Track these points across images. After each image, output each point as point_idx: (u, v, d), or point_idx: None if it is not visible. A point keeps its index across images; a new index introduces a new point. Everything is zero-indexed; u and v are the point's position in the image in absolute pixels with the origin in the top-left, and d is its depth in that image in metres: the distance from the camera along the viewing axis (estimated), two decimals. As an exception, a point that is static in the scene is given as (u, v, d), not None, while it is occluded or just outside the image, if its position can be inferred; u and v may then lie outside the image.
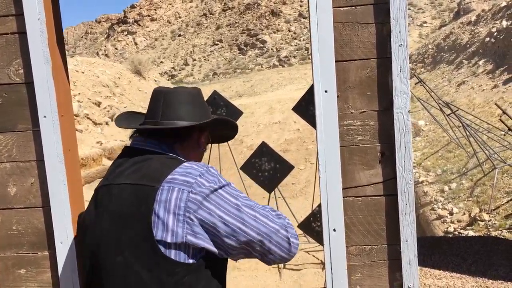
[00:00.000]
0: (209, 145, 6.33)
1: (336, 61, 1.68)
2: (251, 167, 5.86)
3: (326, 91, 1.68)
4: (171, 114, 1.54)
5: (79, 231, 1.59)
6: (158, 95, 1.56)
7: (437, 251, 2.06)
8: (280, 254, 1.42)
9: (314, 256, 6.29)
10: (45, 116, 1.77)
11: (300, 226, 5.95)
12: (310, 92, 6.45)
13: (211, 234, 1.36)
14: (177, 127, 1.51)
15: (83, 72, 16.83)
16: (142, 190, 1.37)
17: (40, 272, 1.88)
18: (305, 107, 6.04)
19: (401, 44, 1.64)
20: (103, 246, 1.43)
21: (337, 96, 1.69)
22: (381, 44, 1.67)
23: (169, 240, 1.33)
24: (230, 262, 6.47)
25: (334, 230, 1.72)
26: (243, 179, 6.88)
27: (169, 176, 1.37)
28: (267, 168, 5.79)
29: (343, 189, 1.72)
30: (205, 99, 6.11)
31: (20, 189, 1.85)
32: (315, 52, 1.67)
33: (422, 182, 8.17)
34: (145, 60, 21.13)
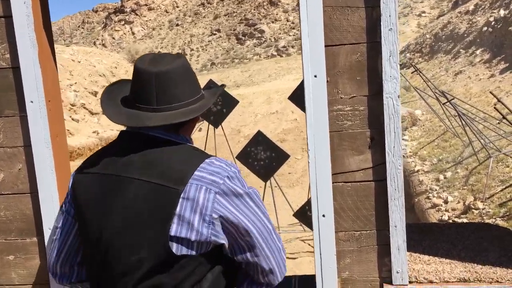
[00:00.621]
0: (206, 134, 6.27)
1: (325, 46, 1.66)
2: (247, 156, 5.86)
3: (315, 76, 1.66)
4: (168, 98, 1.42)
5: (76, 216, 1.48)
6: (147, 75, 1.42)
7: (428, 238, 2.06)
8: (276, 270, 1.43)
9: (309, 245, 6.30)
10: (32, 102, 1.75)
11: (296, 214, 5.96)
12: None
13: (228, 234, 1.36)
14: (186, 120, 1.42)
15: (79, 62, 16.75)
16: (164, 191, 1.32)
17: (28, 258, 1.87)
18: (301, 96, 6.02)
19: (391, 28, 1.62)
20: (117, 245, 1.38)
21: (327, 81, 1.67)
22: (371, 28, 1.65)
23: (193, 238, 1.31)
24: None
25: (324, 215, 1.71)
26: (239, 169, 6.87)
27: (196, 173, 1.33)
28: (263, 157, 5.79)
29: (332, 174, 1.71)
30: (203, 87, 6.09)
31: (8, 175, 1.83)
32: (305, 36, 1.65)
33: (417, 171, 8.20)
34: (142, 50, 21.03)
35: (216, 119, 6.26)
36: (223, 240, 1.37)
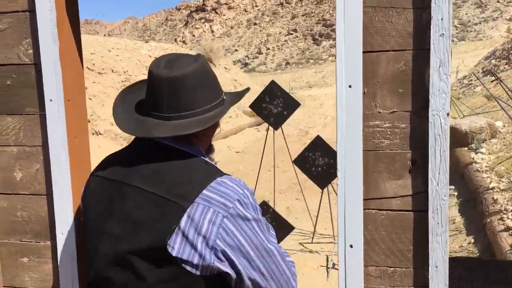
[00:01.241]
0: (265, 135, 6.11)
1: (364, 52, 1.44)
2: (304, 161, 5.65)
3: (350, 86, 1.45)
4: (180, 106, 1.32)
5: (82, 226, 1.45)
6: (160, 82, 1.31)
7: (482, 275, 1.77)
8: None
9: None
10: (51, 100, 1.68)
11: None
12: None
13: (230, 262, 1.25)
14: (197, 131, 1.31)
15: (155, 58, 17.22)
16: (167, 205, 1.23)
17: (41, 262, 1.80)
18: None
19: (443, 34, 1.37)
20: (112, 253, 1.29)
21: (363, 93, 1.46)
22: (418, 33, 1.41)
23: (196, 261, 1.21)
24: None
25: (351, 246, 1.50)
26: (297, 173, 6.67)
27: (205, 192, 1.23)
28: (321, 163, 5.56)
29: (364, 200, 1.49)
30: (264, 88, 5.90)
31: (26, 175, 1.78)
32: (340, 40, 1.44)
33: (492, 188, 7.56)
34: (216, 47, 21.31)
35: (276, 120, 6.10)
36: (227, 268, 1.23)
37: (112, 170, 1.36)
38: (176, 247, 1.21)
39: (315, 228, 6.37)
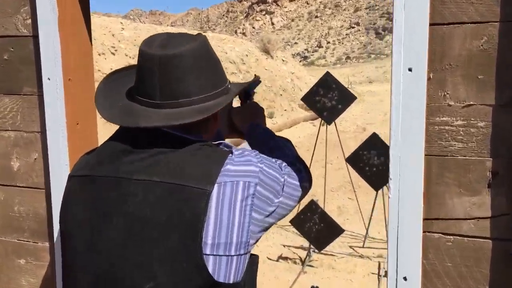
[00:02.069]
0: (318, 130, 5.75)
1: (431, 24, 1.08)
2: (357, 160, 5.24)
3: (410, 70, 1.09)
4: (175, 91, 1.07)
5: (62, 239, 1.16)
6: (150, 63, 1.07)
7: None
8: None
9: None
10: (48, 79, 1.43)
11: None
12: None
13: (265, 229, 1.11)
14: (192, 121, 1.06)
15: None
16: (184, 192, 1.00)
17: (39, 266, 1.57)
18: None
19: (547, -1, 0.99)
20: (118, 270, 1.02)
21: (428, 79, 1.10)
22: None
23: (232, 252, 1.01)
24: (326, 260, 5.97)
25: (405, 279, 1.15)
26: (350, 171, 6.26)
27: (228, 167, 1.04)
28: (376, 163, 5.13)
29: (424, 219, 1.13)
30: (318, 80, 5.54)
31: (23, 165, 1.54)
32: (399, 7, 1.09)
33: None
34: (273, 39, 20.98)
35: (330, 114, 5.69)
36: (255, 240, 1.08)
37: (100, 166, 1.08)
38: (209, 241, 0.99)
39: (367, 231, 5.95)
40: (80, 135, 1.49)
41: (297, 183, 1.17)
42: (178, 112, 1.06)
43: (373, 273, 5.43)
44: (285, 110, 16.60)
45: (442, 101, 1.10)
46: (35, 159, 1.52)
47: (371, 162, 5.14)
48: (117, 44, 14.08)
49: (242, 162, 1.07)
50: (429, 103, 1.10)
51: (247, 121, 1.42)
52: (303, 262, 5.56)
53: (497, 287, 1.09)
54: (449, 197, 1.12)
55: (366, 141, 5.25)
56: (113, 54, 13.48)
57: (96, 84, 1.24)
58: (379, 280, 5.23)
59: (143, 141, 1.07)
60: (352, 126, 16.32)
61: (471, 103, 1.08)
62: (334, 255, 5.69)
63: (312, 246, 5.35)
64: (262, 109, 1.48)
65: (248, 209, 1.03)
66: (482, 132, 1.07)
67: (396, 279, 1.16)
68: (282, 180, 1.12)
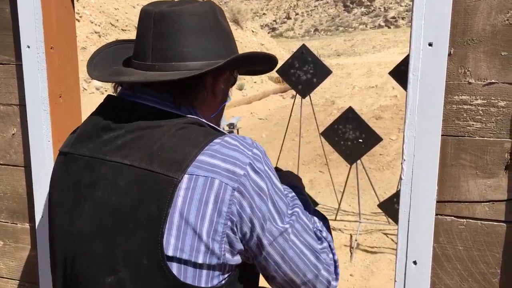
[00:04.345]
0: (292, 104, 5.69)
1: (454, -4, 1.01)
2: (332, 134, 5.23)
3: (430, 44, 1.03)
4: (169, 52, 0.95)
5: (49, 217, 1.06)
6: (146, 19, 0.97)
7: None
8: None
9: (392, 240, 5.61)
10: (28, 47, 1.30)
11: (381, 205, 5.29)
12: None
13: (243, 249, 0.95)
14: (171, 80, 0.93)
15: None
16: (152, 180, 0.87)
17: (19, 248, 1.47)
18: (405, 73, 5.29)
19: None
20: (85, 259, 0.93)
21: (449, 54, 1.04)
22: (539, -31, 0.97)
23: (200, 260, 0.88)
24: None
25: (415, 262, 1.11)
26: (323, 144, 6.25)
27: (203, 158, 0.88)
28: (351, 137, 5.13)
29: (437, 202, 1.09)
30: (294, 53, 5.45)
31: (0, 140, 1.42)
32: (421, -23, 1.02)
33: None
34: (243, 10, 20.63)
35: (305, 88, 5.63)
36: (239, 258, 0.94)
37: (80, 143, 0.99)
38: (173, 241, 0.86)
39: (339, 205, 6.00)
40: (63, 109, 1.38)
41: (315, 247, 0.98)
42: (164, 74, 0.94)
43: (345, 246, 5.50)
44: (255, 82, 16.48)
45: (462, 79, 1.04)
46: (13, 134, 1.40)
47: (346, 136, 5.14)
48: (81, 10, 13.54)
49: (224, 155, 0.90)
50: (448, 81, 1.04)
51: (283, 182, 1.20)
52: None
53: (508, 270, 1.07)
54: (464, 179, 1.07)
55: (342, 115, 5.23)
56: (78, 20, 12.96)
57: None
58: (351, 252, 5.31)
59: (125, 116, 0.95)
60: (321, 99, 16.36)
61: (493, 81, 1.02)
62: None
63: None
64: (299, 178, 1.28)
65: (223, 217, 0.88)
66: (502, 112, 1.03)
67: (406, 263, 1.12)
68: (285, 224, 0.93)
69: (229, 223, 0.88)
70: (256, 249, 0.92)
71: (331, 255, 1.01)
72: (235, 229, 0.89)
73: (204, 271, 0.89)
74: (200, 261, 0.87)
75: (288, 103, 11.76)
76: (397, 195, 5.04)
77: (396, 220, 4.86)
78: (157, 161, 0.88)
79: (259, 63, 1.12)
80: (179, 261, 0.87)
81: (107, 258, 0.90)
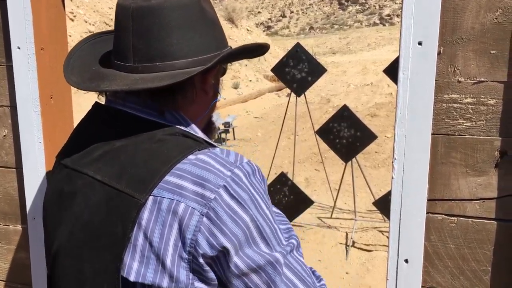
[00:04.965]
0: (287, 102, 5.69)
1: (443, -6, 1.02)
2: (327, 132, 5.23)
3: (419, 43, 1.03)
4: (152, 51, 0.88)
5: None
6: (124, 15, 0.89)
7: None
8: None
9: (387, 237, 5.63)
10: (18, 48, 1.30)
11: (376, 203, 5.30)
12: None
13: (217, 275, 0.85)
14: (158, 86, 0.85)
15: None
16: (119, 199, 0.83)
17: (11, 250, 1.46)
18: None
19: None
20: (60, 269, 0.92)
21: (438, 53, 1.04)
22: (528, -32, 0.98)
23: (165, 285, 0.81)
24: (295, 231, 5.99)
25: (406, 261, 1.11)
26: (318, 142, 6.26)
27: (169, 178, 0.81)
28: (346, 135, 5.13)
29: (428, 200, 1.09)
30: (289, 51, 5.45)
31: (-9, 142, 1.41)
32: (410, -24, 1.02)
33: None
34: (238, 8, 20.60)
35: (300, 86, 5.63)
36: (213, 284, 0.84)
37: (65, 152, 0.96)
38: (135, 266, 0.81)
39: (335, 203, 6.01)
40: (54, 110, 1.37)
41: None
42: (149, 77, 0.87)
43: (341, 243, 5.51)
44: (250, 80, 16.47)
45: (452, 77, 1.04)
46: (4, 135, 1.39)
47: (341, 134, 5.14)
48: (75, 9, 13.49)
49: (194, 175, 0.81)
50: (438, 79, 1.04)
51: None
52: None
53: (498, 267, 1.07)
54: (455, 178, 1.08)
55: (337, 113, 5.23)
56: (72, 20, 12.92)
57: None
58: (347, 250, 5.32)
59: (107, 125, 0.91)
60: (317, 97, 16.38)
61: (482, 79, 1.03)
62: (302, 226, 5.73)
63: (281, 218, 5.36)
64: None
65: (187, 244, 0.80)
66: (492, 110, 1.03)
67: (397, 261, 1.12)
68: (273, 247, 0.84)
69: (194, 251, 0.80)
70: (235, 279, 0.82)
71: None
72: (202, 258, 0.81)
73: None
74: (164, 286, 0.81)
75: (283, 102, 11.76)
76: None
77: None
78: (126, 179, 0.83)
79: (251, 53, 1.03)
80: (143, 286, 0.82)
81: (77, 274, 0.87)
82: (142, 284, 0.82)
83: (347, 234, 5.63)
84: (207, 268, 0.81)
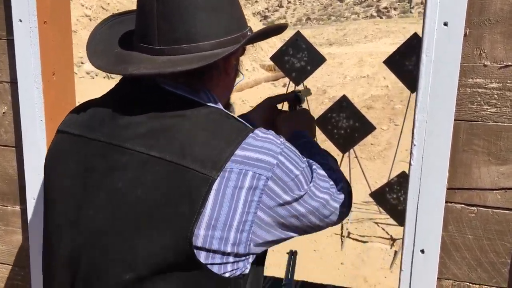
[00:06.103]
0: (286, 91, 5.68)
1: (472, -27, 0.97)
2: (326, 122, 5.18)
3: (445, 24, 0.98)
4: (176, 34, 0.89)
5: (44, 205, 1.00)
6: (148, 0, 0.90)
7: None
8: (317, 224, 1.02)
9: (383, 229, 5.62)
10: (20, 20, 1.24)
11: (373, 194, 5.28)
12: (407, 44, 5.51)
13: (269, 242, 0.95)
14: (188, 69, 0.87)
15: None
16: (184, 175, 0.84)
17: (9, 231, 1.42)
18: (400, 61, 5.24)
19: None
20: (98, 255, 0.88)
21: (464, 35, 0.99)
22: None
23: (229, 249, 0.87)
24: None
25: (422, 251, 1.07)
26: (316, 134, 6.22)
27: (239, 152, 0.87)
28: (345, 125, 5.08)
29: (447, 189, 1.05)
30: (289, 40, 5.38)
31: (-10, 119, 1.36)
32: (439, -48, 0.97)
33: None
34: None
35: (298, 75, 5.55)
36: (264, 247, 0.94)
37: (90, 125, 0.93)
38: (202, 233, 0.84)
39: (331, 194, 5.99)
40: (57, 87, 1.32)
41: (328, 198, 0.99)
42: (177, 60, 0.89)
43: (336, 234, 5.50)
44: (247, 69, 16.38)
45: (477, 61, 1.00)
46: (3, 112, 1.34)
47: (340, 124, 5.09)
48: (71, -7, 13.30)
49: (259, 148, 0.89)
50: (463, 62, 1.00)
51: (291, 129, 1.25)
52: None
53: (519, 261, 1.04)
54: (476, 166, 1.04)
55: (336, 103, 5.18)
56: (68, 3, 12.73)
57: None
58: (342, 241, 5.30)
59: (142, 100, 0.91)
60: (313, 88, 16.31)
61: (510, 63, 0.98)
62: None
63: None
64: (312, 119, 1.32)
65: (253, 206, 0.87)
66: (518, 96, 0.99)
67: (413, 251, 1.08)
68: (306, 187, 0.94)
69: (258, 212, 0.87)
70: (295, 220, 0.94)
71: (342, 196, 1.06)
72: (263, 217, 0.88)
73: (229, 265, 0.88)
74: (228, 249, 0.86)
75: (279, 91, 11.70)
76: (389, 185, 5.04)
77: (386, 210, 4.85)
78: (190, 156, 0.84)
79: (271, 34, 1.06)
80: (208, 250, 0.85)
81: (125, 254, 0.85)
82: (206, 249, 0.85)
83: (342, 225, 5.61)
84: (268, 230, 0.90)
